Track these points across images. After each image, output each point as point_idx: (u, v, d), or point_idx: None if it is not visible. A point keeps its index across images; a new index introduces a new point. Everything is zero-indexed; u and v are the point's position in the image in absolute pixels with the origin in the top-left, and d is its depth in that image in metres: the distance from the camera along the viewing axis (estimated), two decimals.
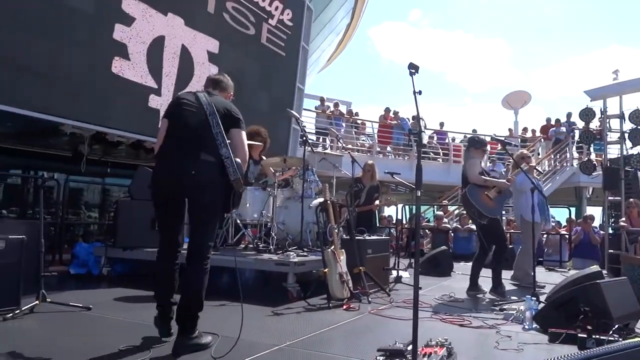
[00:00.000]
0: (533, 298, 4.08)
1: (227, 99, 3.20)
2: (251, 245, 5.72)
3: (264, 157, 6.11)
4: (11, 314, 3.39)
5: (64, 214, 6.87)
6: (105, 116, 5.78)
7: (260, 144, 5.74)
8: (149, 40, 6.17)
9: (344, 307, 4.19)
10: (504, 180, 5.27)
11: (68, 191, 7.10)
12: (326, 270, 4.33)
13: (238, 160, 2.88)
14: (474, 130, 16.25)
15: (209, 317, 3.61)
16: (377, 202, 7.21)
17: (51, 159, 7.53)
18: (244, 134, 3.04)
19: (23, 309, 3.51)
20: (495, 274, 5.14)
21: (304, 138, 5.65)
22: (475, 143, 5.48)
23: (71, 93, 5.41)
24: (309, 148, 5.57)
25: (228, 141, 2.90)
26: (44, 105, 5.12)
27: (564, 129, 15.31)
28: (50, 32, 5.15)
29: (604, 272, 5.39)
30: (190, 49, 6.80)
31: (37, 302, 3.63)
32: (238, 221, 5.57)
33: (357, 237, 5.01)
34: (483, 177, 5.13)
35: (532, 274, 5.09)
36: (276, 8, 8.38)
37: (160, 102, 6.36)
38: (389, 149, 15.32)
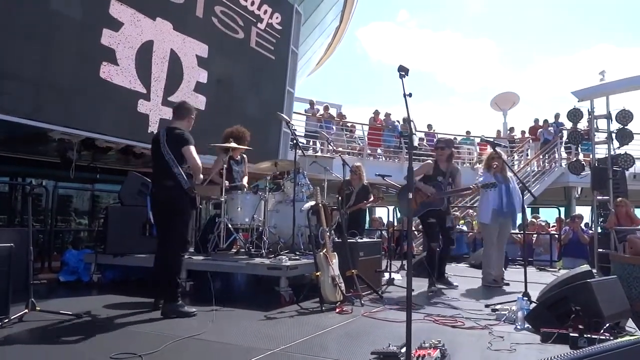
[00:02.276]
0: (524, 298, 4.10)
1: (188, 122, 4.26)
2: (243, 250, 5.69)
3: (244, 156, 6.09)
4: (0, 323, 3.34)
5: (52, 221, 6.80)
6: (94, 122, 5.73)
7: (238, 146, 5.73)
8: (137, 45, 6.14)
9: (337, 310, 4.18)
10: (432, 189, 5.53)
11: (57, 198, 7.02)
12: (318, 273, 4.32)
13: (190, 172, 4.07)
14: (468, 132, 16.33)
15: (200, 321, 3.59)
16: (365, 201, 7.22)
17: (39, 165, 7.45)
18: (190, 148, 4.03)
19: (12, 317, 3.47)
20: (429, 271, 5.60)
21: (295, 141, 5.65)
22: (439, 145, 5.96)
23: (59, 99, 5.36)
24: (300, 151, 5.57)
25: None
26: (32, 112, 5.07)
27: (551, 129, 15.45)
28: (37, 38, 5.11)
29: (594, 271, 5.45)
30: (179, 53, 6.77)
31: (26, 310, 3.58)
32: (229, 226, 5.55)
33: (349, 240, 5.01)
34: (418, 179, 5.59)
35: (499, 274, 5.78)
36: (265, 12, 8.38)
37: (149, 107, 6.33)
38: (379, 151, 15.36)
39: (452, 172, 5.76)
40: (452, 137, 15.89)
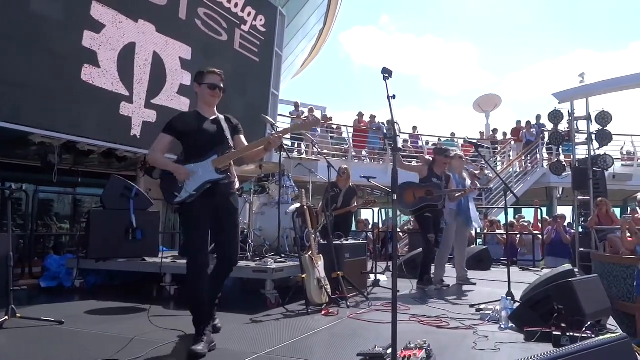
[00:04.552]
0: (508, 298, 4.15)
1: (201, 97, 3.37)
2: None
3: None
4: None
5: (33, 225, 6.69)
6: (75, 125, 5.66)
7: None
8: (119, 47, 6.08)
9: (323, 312, 4.18)
10: (420, 166, 5.90)
11: (37, 202, 6.92)
12: (304, 275, 4.32)
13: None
14: (453, 134, 16.47)
15: (185, 325, 3.56)
16: (354, 204, 7.26)
17: (19, 169, 7.33)
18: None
19: None
20: (422, 265, 5.75)
21: (280, 144, 5.64)
22: (439, 152, 6.06)
23: (40, 101, 5.28)
24: (285, 154, 5.56)
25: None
26: (12, 115, 4.98)
27: (534, 130, 15.66)
28: (16, 39, 5.03)
29: (576, 270, 5.54)
30: (162, 55, 6.72)
31: (6, 317, 3.51)
32: None
33: (334, 242, 5.01)
34: (408, 164, 6.03)
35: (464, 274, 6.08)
36: (249, 14, 8.36)
37: (131, 110, 6.26)
38: (364, 153, 15.41)
39: (446, 177, 5.94)
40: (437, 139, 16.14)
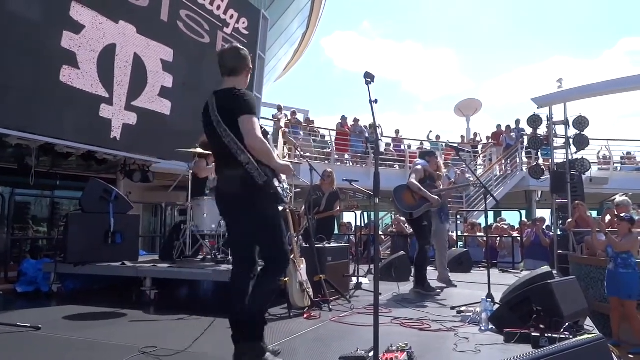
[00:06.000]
0: (488, 300, 4.20)
1: (246, 77, 2.95)
2: (209, 257, 5.62)
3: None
4: None
5: (9, 229, 6.54)
6: (53, 127, 5.56)
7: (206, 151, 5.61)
8: (99, 48, 6.00)
9: (305, 315, 4.18)
10: (436, 197, 5.71)
11: (14, 205, 6.77)
12: (286, 279, 4.31)
13: (263, 161, 2.72)
14: (438, 137, 16.60)
15: (165, 330, 3.53)
16: (337, 207, 7.26)
17: None
18: (248, 119, 2.70)
19: None
20: (418, 270, 5.71)
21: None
22: (430, 153, 6.24)
23: (17, 103, 5.18)
24: None
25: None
26: None
27: (513, 134, 15.90)
28: None
29: (554, 272, 5.63)
30: (143, 57, 6.65)
31: None
32: (196, 232, 5.47)
33: (316, 245, 5.01)
34: (419, 186, 5.67)
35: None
36: (231, 17, 8.33)
37: (112, 112, 6.18)
38: (346, 156, 15.46)
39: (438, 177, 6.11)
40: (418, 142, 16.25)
